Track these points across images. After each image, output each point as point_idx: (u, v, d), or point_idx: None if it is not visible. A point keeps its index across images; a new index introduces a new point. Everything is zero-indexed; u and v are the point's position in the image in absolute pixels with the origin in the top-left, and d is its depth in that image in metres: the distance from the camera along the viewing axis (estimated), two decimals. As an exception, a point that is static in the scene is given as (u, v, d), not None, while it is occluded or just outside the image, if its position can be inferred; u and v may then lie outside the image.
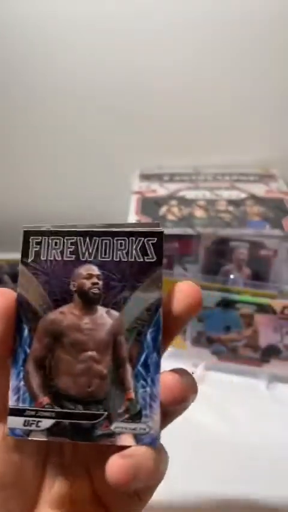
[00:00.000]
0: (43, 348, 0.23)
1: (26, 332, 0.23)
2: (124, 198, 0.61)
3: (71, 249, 0.23)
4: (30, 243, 0.23)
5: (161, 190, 0.63)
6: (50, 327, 0.23)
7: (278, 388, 0.50)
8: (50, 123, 0.66)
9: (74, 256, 0.23)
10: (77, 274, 0.23)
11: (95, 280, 0.23)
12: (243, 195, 0.61)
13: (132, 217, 0.56)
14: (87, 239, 0.23)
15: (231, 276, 0.53)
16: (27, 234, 0.23)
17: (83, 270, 0.23)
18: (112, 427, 0.22)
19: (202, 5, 0.58)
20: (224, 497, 0.38)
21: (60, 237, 0.23)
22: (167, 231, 0.55)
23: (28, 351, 0.23)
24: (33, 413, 0.23)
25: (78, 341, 0.23)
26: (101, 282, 0.23)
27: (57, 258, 0.23)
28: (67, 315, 0.23)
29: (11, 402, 0.23)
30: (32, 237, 0.23)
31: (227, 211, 0.58)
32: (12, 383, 0.23)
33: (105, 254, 0.23)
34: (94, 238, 0.23)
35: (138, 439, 0.22)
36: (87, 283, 0.23)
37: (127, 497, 0.24)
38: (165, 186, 0.64)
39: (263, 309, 0.49)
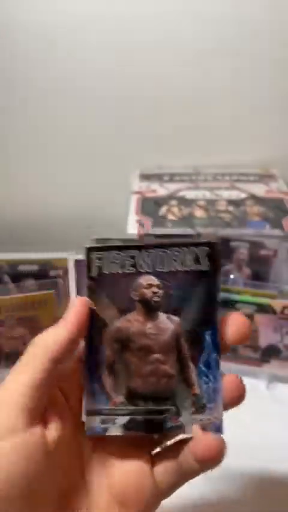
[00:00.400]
0: (113, 354, 0.26)
1: (96, 341, 0.25)
2: (124, 198, 0.61)
3: (131, 262, 0.25)
4: (93, 259, 0.25)
5: (161, 190, 0.63)
6: (118, 334, 0.26)
7: (278, 388, 0.50)
8: (50, 123, 0.66)
9: (133, 268, 0.25)
10: (138, 284, 0.25)
11: (155, 289, 0.25)
12: (243, 195, 0.61)
13: (132, 217, 0.56)
14: (144, 252, 0.25)
15: (231, 276, 0.53)
16: (89, 251, 0.26)
17: (143, 280, 0.25)
18: (181, 420, 0.25)
19: (202, 6, 0.58)
20: (223, 497, 0.38)
21: (119, 252, 0.25)
22: (167, 231, 0.55)
23: (98, 358, 0.25)
24: (109, 412, 0.26)
25: (144, 345, 0.25)
26: (160, 291, 0.25)
27: (118, 271, 0.25)
28: (132, 322, 0.25)
29: (87, 405, 0.25)
30: (94, 253, 0.25)
31: (227, 211, 0.58)
32: (87, 387, 0.25)
33: (161, 265, 0.25)
34: (150, 250, 0.25)
35: (204, 428, 0.25)
36: (148, 293, 0.25)
37: (144, 497, 0.26)
38: (165, 186, 0.64)
39: (263, 309, 0.49)
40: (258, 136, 0.67)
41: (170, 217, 0.57)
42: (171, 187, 0.63)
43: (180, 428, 0.25)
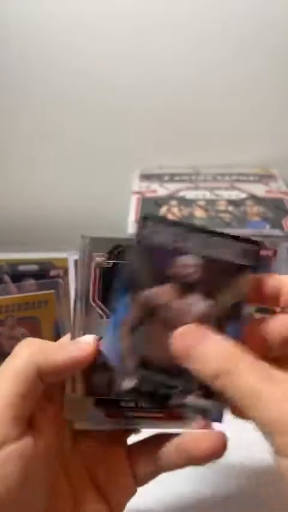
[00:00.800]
0: (138, 318, 0.26)
1: (127, 299, 0.26)
2: (124, 198, 0.61)
3: (180, 238, 0.26)
4: (146, 226, 0.26)
5: (161, 190, 0.63)
6: (147, 301, 0.26)
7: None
8: (50, 123, 0.66)
9: (181, 245, 0.26)
10: (179, 261, 0.26)
11: (191, 270, 0.26)
12: (243, 195, 0.61)
13: (132, 217, 0.56)
14: (196, 234, 0.26)
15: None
16: (146, 218, 0.26)
17: (184, 259, 0.26)
18: (186, 400, 0.26)
19: (203, 5, 0.58)
20: (223, 497, 0.38)
21: (173, 227, 0.26)
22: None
23: (124, 316, 0.26)
24: (119, 369, 0.26)
25: (168, 318, 0.25)
26: (198, 273, 0.26)
27: (166, 244, 0.26)
28: (164, 294, 0.26)
29: (104, 358, 0.26)
30: (149, 221, 0.26)
31: (227, 211, 0.58)
32: (106, 340, 0.26)
33: (207, 250, 0.26)
34: (202, 234, 0.26)
35: (206, 414, 0.25)
36: (184, 271, 0.26)
37: (125, 487, 0.28)
38: (165, 186, 0.64)
39: (262, 308, 0.49)
40: (258, 136, 0.67)
41: (170, 217, 0.57)
42: (171, 187, 0.63)
43: (181, 408, 0.26)
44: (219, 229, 0.26)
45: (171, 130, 0.66)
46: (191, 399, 0.25)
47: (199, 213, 0.58)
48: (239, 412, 0.24)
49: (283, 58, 0.61)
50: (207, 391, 0.25)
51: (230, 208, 0.59)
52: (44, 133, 0.67)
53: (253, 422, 0.22)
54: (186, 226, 0.26)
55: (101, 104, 0.64)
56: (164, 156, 0.67)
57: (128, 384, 0.26)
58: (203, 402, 0.25)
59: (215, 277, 0.26)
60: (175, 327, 0.25)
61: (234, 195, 0.61)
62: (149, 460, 0.29)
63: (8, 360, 0.25)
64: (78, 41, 0.60)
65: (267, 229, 0.55)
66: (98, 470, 0.28)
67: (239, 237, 0.26)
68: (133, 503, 0.29)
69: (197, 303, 0.26)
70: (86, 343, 0.26)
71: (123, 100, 0.64)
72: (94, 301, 0.28)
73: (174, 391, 0.26)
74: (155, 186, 0.64)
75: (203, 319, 0.25)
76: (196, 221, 0.56)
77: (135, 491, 0.29)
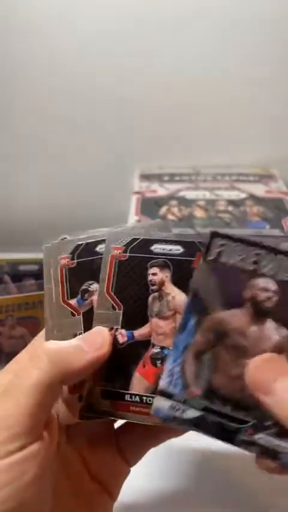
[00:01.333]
0: (205, 343, 0.23)
1: (192, 322, 0.24)
2: (124, 198, 0.61)
3: (254, 259, 0.24)
4: (214, 243, 0.24)
5: (161, 190, 0.63)
6: (217, 325, 0.23)
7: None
8: (50, 122, 0.66)
9: (255, 266, 0.24)
10: (254, 284, 0.23)
11: (270, 294, 0.23)
12: (243, 195, 0.61)
13: (132, 217, 0.56)
14: (272, 255, 0.23)
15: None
16: (213, 234, 0.24)
17: (261, 282, 0.23)
18: (255, 437, 0.22)
19: (203, 6, 0.58)
20: (224, 497, 0.38)
21: (245, 246, 0.24)
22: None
23: (190, 340, 0.23)
24: (182, 400, 0.23)
25: (240, 346, 0.23)
26: (275, 298, 0.23)
27: (237, 264, 0.24)
28: (236, 318, 0.23)
29: (163, 383, 0.24)
30: (217, 238, 0.24)
31: (226, 211, 0.58)
32: (168, 366, 0.24)
33: (285, 273, 0.23)
34: (279, 256, 0.23)
35: (278, 456, 0.22)
36: (262, 296, 0.23)
37: (117, 469, 0.29)
38: (165, 186, 0.64)
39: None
40: (258, 136, 0.67)
41: (170, 217, 0.57)
42: (171, 187, 0.63)
43: (250, 445, 0.23)
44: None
45: (171, 130, 0.66)
46: (262, 437, 0.22)
47: (199, 213, 0.58)
48: None
49: (283, 58, 0.61)
50: (283, 431, 0.22)
51: (230, 208, 0.59)
52: (44, 134, 0.67)
53: None
54: (257, 245, 0.24)
55: (101, 104, 0.64)
56: (164, 156, 0.67)
57: (192, 413, 0.23)
58: (276, 442, 0.22)
59: None
60: (249, 356, 0.23)
61: (234, 195, 0.61)
62: (135, 438, 0.30)
63: (28, 368, 0.24)
64: (78, 40, 0.60)
65: (267, 229, 0.55)
66: (90, 457, 0.29)
67: None
68: (133, 502, 0.29)
69: (272, 332, 0.23)
70: (102, 341, 0.26)
71: (123, 100, 0.64)
72: (108, 293, 0.27)
73: (242, 427, 0.23)
74: (155, 186, 0.64)
75: (278, 351, 0.23)
76: (196, 221, 0.56)
77: (128, 472, 0.30)
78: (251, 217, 0.57)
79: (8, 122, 0.66)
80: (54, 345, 0.25)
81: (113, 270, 0.27)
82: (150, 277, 0.27)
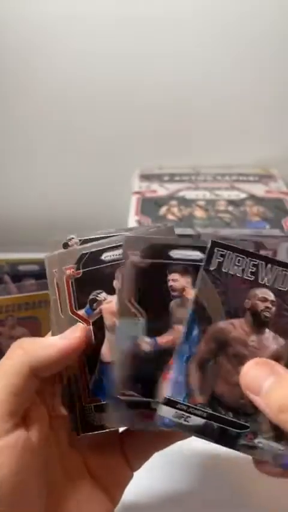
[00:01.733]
0: (208, 351, 0.24)
1: (195, 332, 0.24)
2: (124, 198, 0.61)
3: (252, 270, 0.24)
4: (215, 253, 0.25)
5: (161, 190, 0.63)
6: (219, 334, 0.24)
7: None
8: (50, 123, 0.66)
9: (253, 277, 0.24)
10: (253, 294, 0.24)
11: (268, 304, 0.24)
12: (243, 195, 0.61)
13: (132, 218, 0.57)
14: (269, 266, 0.24)
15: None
16: (214, 244, 0.25)
17: (260, 292, 0.24)
18: (255, 441, 0.23)
19: (202, 6, 0.58)
20: (225, 500, 0.38)
21: (244, 256, 0.25)
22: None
23: (194, 350, 0.24)
24: (185, 408, 0.24)
25: (241, 354, 0.24)
26: (273, 308, 0.24)
27: (237, 274, 0.24)
28: (237, 328, 0.24)
29: (168, 392, 0.24)
30: (217, 248, 0.25)
31: (226, 211, 0.58)
32: (173, 375, 0.24)
33: (282, 284, 0.24)
34: (275, 267, 0.24)
35: (276, 458, 0.23)
36: (261, 305, 0.24)
37: (120, 473, 0.29)
38: (165, 186, 0.64)
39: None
40: (258, 136, 0.67)
41: (170, 217, 0.57)
42: (171, 187, 0.63)
43: (251, 449, 0.24)
44: None
45: (171, 130, 0.66)
46: (262, 441, 0.23)
47: (199, 213, 0.58)
48: None
49: (283, 58, 0.61)
50: (280, 435, 0.23)
51: (230, 208, 0.59)
52: (44, 134, 0.67)
53: None
54: (256, 255, 0.25)
55: (101, 104, 0.64)
56: (164, 156, 0.68)
57: (196, 421, 0.24)
58: (274, 445, 0.23)
59: None
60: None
61: (234, 195, 0.61)
62: (140, 443, 0.30)
63: (2, 360, 0.26)
64: (78, 40, 0.60)
65: (267, 229, 0.55)
66: (94, 460, 0.29)
67: None
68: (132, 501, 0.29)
69: (270, 341, 0.24)
70: (74, 335, 0.26)
71: (123, 100, 0.64)
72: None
73: (243, 431, 0.24)
74: (155, 186, 0.64)
75: (276, 359, 0.24)
76: (196, 221, 0.56)
77: (131, 476, 0.30)
78: (251, 217, 0.57)
79: (8, 121, 0.66)
80: (31, 339, 0.26)
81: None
82: (170, 283, 0.27)
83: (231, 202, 0.60)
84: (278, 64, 0.61)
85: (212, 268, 0.25)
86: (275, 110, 0.65)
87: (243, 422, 0.24)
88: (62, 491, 0.27)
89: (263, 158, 0.67)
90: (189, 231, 0.55)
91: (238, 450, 0.24)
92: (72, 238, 0.30)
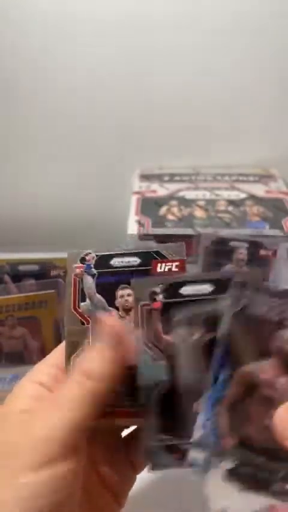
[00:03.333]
0: (238, 394, 0.24)
1: (223, 376, 0.24)
2: (124, 198, 0.62)
3: (279, 310, 0.24)
4: (241, 294, 0.24)
5: (161, 190, 0.63)
6: (248, 377, 0.24)
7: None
8: (50, 123, 0.66)
9: (280, 317, 0.24)
10: (280, 335, 0.24)
11: None
12: (243, 195, 0.61)
13: (132, 217, 0.57)
14: None
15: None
16: (240, 285, 0.25)
17: (287, 333, 0.24)
18: None
19: (202, 6, 0.58)
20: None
21: (268, 296, 0.24)
22: (167, 231, 0.55)
23: (221, 393, 0.24)
24: (216, 452, 0.24)
25: (270, 397, 0.23)
26: None
27: (263, 315, 0.24)
28: (266, 370, 0.24)
29: (196, 435, 0.24)
30: (243, 289, 0.24)
31: (226, 211, 0.58)
32: (201, 418, 0.24)
33: None
34: None
35: None
36: None
37: (126, 476, 0.29)
38: (165, 186, 0.64)
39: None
40: (258, 136, 0.67)
41: (170, 217, 0.57)
42: (171, 187, 0.63)
43: (284, 495, 0.23)
44: None
45: (171, 130, 0.66)
46: None
47: (199, 213, 0.58)
48: None
49: (283, 58, 0.61)
50: None
51: (230, 208, 0.59)
52: (44, 134, 0.67)
53: None
54: (282, 295, 0.24)
55: (101, 105, 0.64)
56: (164, 156, 0.68)
57: (226, 464, 0.23)
58: None
59: None
60: (277, 407, 0.23)
61: (234, 195, 0.61)
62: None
63: (64, 387, 0.25)
64: (78, 42, 0.60)
65: (267, 229, 0.55)
66: (102, 464, 0.29)
67: None
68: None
69: None
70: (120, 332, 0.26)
71: (123, 100, 0.64)
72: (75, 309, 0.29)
73: (276, 476, 0.23)
74: (155, 186, 0.64)
75: None
76: (196, 221, 0.56)
77: (135, 479, 0.30)
78: (251, 217, 0.57)
79: (8, 122, 0.66)
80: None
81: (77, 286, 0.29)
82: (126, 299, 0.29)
83: (231, 202, 0.60)
84: (278, 64, 0.61)
85: (239, 311, 0.24)
86: (275, 110, 0.65)
87: (275, 468, 0.23)
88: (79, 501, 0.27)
89: (263, 158, 0.67)
90: (189, 231, 0.55)
91: (272, 496, 0.23)
92: (89, 253, 0.31)
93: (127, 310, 0.29)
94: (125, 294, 0.29)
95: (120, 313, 0.29)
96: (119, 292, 0.29)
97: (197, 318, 0.26)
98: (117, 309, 0.29)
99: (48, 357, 0.29)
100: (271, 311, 0.24)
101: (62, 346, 0.29)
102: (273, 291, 0.24)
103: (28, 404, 0.25)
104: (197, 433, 0.24)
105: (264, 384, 0.24)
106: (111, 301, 0.29)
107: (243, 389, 0.24)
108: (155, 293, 0.27)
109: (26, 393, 0.26)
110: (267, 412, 0.23)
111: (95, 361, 0.25)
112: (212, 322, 0.25)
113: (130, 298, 0.28)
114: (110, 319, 0.27)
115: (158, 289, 0.27)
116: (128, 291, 0.29)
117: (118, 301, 0.29)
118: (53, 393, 0.26)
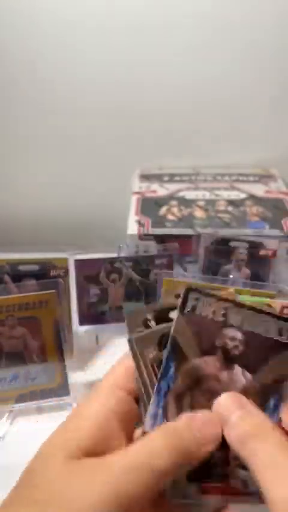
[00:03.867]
0: (184, 387, 0.27)
1: (172, 370, 0.27)
2: (124, 198, 0.62)
3: (222, 312, 0.27)
4: (189, 297, 0.27)
5: (161, 190, 0.63)
6: (193, 371, 0.27)
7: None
8: (50, 123, 0.66)
9: (223, 318, 0.27)
10: (223, 334, 0.27)
11: (237, 343, 0.27)
12: (242, 195, 0.61)
13: (132, 217, 0.57)
14: (238, 309, 0.27)
15: (231, 276, 0.53)
16: (188, 290, 0.27)
17: (230, 332, 0.27)
18: (228, 471, 0.25)
19: (202, 6, 0.58)
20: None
21: (215, 300, 0.27)
22: (167, 231, 0.55)
23: (171, 385, 0.26)
24: None
25: (213, 389, 0.26)
26: (241, 347, 0.27)
27: (209, 316, 0.27)
28: (209, 365, 0.27)
29: (147, 426, 0.26)
30: (191, 293, 0.27)
31: (226, 211, 0.58)
32: (152, 409, 0.26)
33: (248, 325, 0.27)
34: (243, 309, 0.27)
35: (246, 485, 0.25)
36: (230, 344, 0.27)
37: None
38: (165, 186, 0.64)
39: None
40: (258, 136, 0.67)
41: (170, 217, 0.57)
42: (171, 187, 0.63)
43: (225, 477, 0.25)
44: (259, 307, 0.27)
45: (171, 130, 0.66)
46: (232, 470, 0.25)
47: (199, 213, 0.58)
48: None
49: (283, 58, 0.61)
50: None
51: (230, 208, 0.59)
52: (44, 135, 0.67)
53: (265, 499, 0.21)
54: (225, 300, 0.27)
55: (101, 105, 0.64)
56: (164, 157, 0.68)
57: None
58: (242, 473, 0.25)
59: (256, 353, 0.27)
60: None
61: (234, 195, 0.61)
62: None
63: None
64: (79, 44, 0.60)
65: (267, 229, 0.55)
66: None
67: (277, 315, 0.27)
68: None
69: (239, 376, 0.27)
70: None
71: (123, 101, 0.64)
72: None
73: (215, 461, 0.25)
74: (155, 186, 0.64)
75: (246, 393, 0.26)
76: (196, 221, 0.56)
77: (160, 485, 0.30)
78: (251, 217, 0.57)
79: (8, 122, 0.67)
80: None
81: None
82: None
83: (231, 202, 0.60)
84: (278, 64, 0.61)
85: (186, 311, 0.27)
86: (274, 110, 0.65)
87: (216, 454, 0.25)
88: None
89: (263, 158, 0.67)
90: (189, 231, 0.55)
91: (212, 480, 0.25)
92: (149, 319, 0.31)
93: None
94: None
95: None
96: None
97: (153, 337, 0.28)
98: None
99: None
100: (215, 312, 0.27)
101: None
102: (218, 296, 0.27)
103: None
104: (148, 422, 0.26)
105: (208, 377, 0.27)
106: None
107: (189, 381, 0.27)
108: (147, 320, 0.29)
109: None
110: (210, 403, 0.26)
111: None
112: (167, 340, 0.27)
113: None
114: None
115: (150, 316, 0.29)
116: None
117: None
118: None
